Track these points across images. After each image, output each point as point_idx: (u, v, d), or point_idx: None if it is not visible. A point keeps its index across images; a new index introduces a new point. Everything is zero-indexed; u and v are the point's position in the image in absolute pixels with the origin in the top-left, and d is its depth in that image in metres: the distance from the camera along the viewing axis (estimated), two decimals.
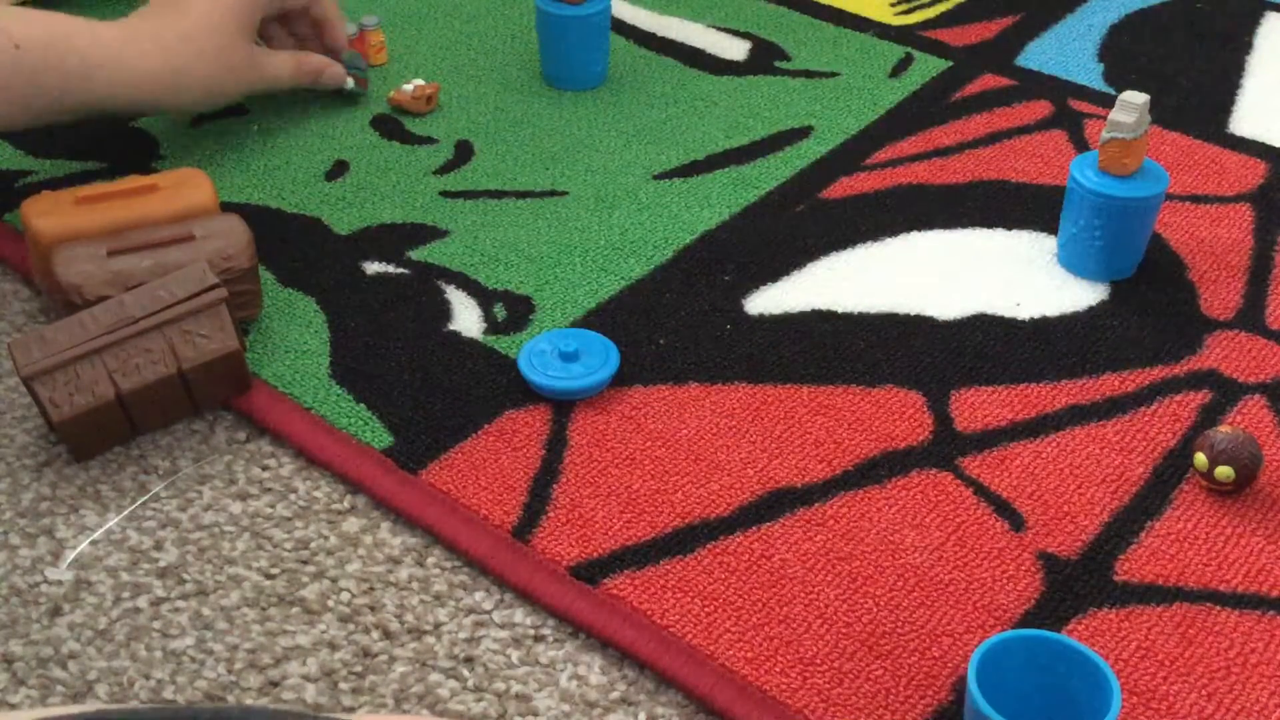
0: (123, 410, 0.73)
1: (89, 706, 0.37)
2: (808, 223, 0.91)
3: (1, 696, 0.62)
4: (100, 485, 0.72)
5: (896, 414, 0.75)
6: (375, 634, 0.64)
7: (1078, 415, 0.75)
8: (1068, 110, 1.02)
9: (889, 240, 0.89)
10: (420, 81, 1.03)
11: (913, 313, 0.83)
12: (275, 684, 0.62)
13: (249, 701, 0.61)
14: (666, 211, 0.92)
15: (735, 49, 1.11)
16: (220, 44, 0.90)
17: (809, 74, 1.07)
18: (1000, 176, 0.95)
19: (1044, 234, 0.89)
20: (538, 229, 0.90)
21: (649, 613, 0.64)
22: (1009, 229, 0.90)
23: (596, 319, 0.82)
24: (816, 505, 0.70)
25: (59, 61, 0.82)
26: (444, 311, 0.83)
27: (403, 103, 1.01)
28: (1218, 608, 0.64)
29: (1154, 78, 1.06)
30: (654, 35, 1.13)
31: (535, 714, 0.61)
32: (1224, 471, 0.68)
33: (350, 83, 1.01)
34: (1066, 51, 1.10)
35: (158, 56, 0.87)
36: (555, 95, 1.05)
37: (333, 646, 0.64)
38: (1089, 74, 1.07)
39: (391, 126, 1.01)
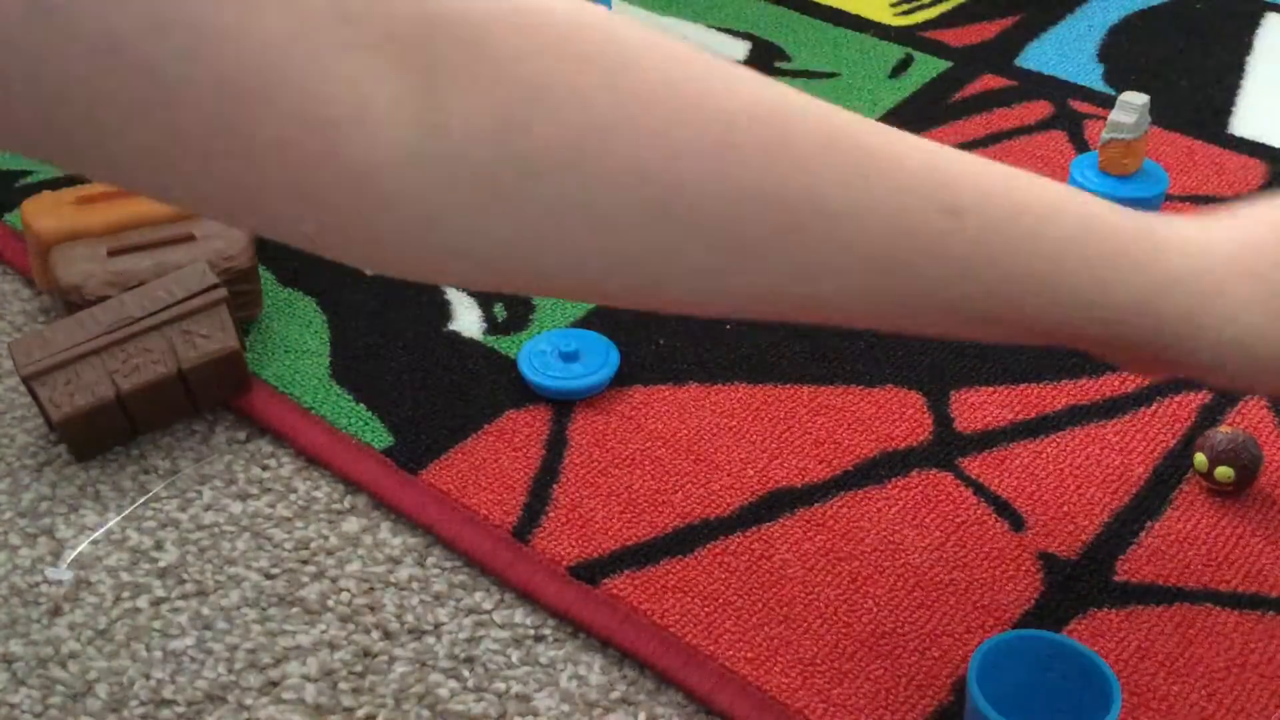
0: (123, 410, 0.73)
1: None
2: None
3: (1, 696, 0.62)
4: (100, 485, 0.72)
5: (896, 414, 0.75)
6: (375, 634, 0.64)
7: (1078, 415, 0.75)
8: (1068, 111, 1.02)
9: None
10: None
11: None
12: (275, 684, 0.62)
13: (249, 701, 0.61)
14: None
15: (735, 49, 1.11)
16: None
17: (809, 74, 1.07)
18: None
19: None
20: None
21: (649, 613, 0.64)
22: None
23: (596, 319, 0.82)
24: (816, 505, 0.70)
25: (1020, 244, 0.46)
26: (444, 311, 0.83)
27: None
28: (1218, 608, 0.64)
29: (1154, 78, 1.06)
30: None
31: (535, 714, 0.61)
32: (1224, 472, 0.68)
33: None
34: (1066, 52, 1.10)
35: (1193, 262, 0.49)
36: None
37: (333, 646, 0.64)
38: (1089, 74, 1.07)
39: None
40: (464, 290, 0.84)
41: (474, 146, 0.39)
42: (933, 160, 0.45)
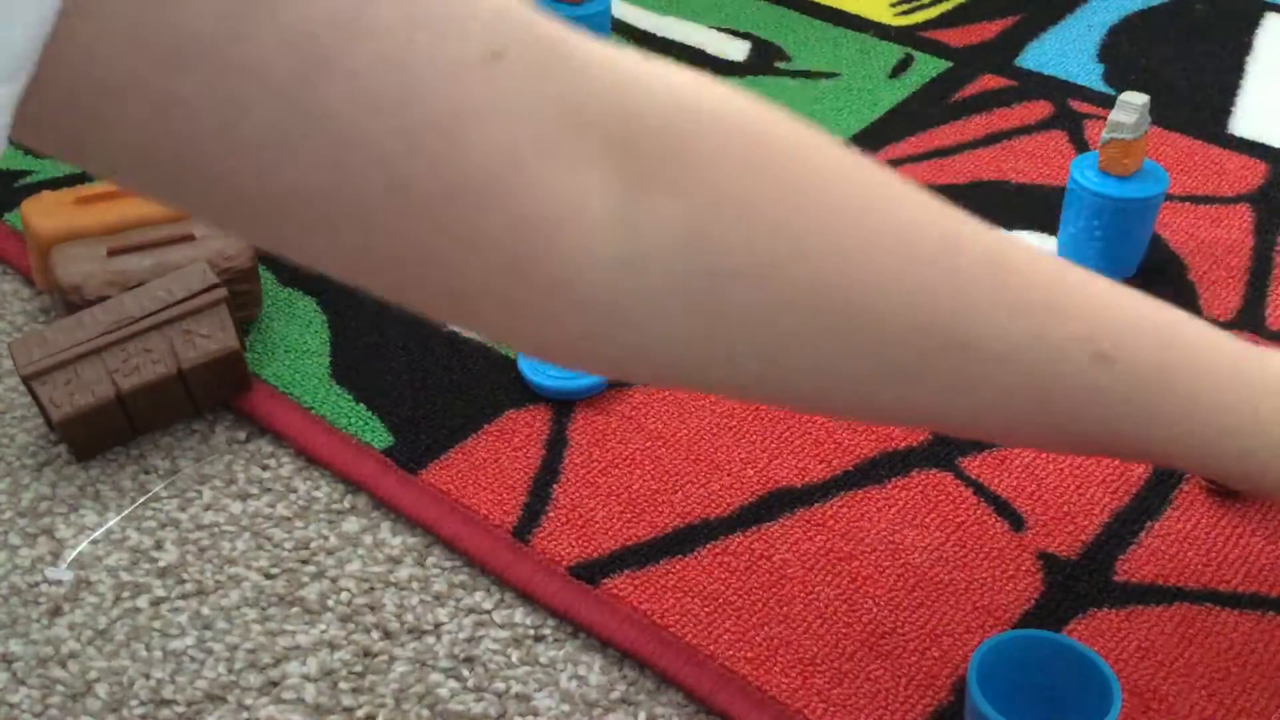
0: (123, 410, 0.73)
1: None
2: None
3: (1, 696, 0.62)
4: (100, 485, 0.72)
5: None
6: (375, 634, 0.64)
7: None
8: (1068, 111, 1.02)
9: None
10: None
11: None
12: (275, 684, 0.62)
13: (249, 701, 0.61)
14: None
15: (735, 49, 1.11)
16: None
17: (809, 74, 1.07)
18: (1000, 177, 0.95)
19: (1044, 234, 0.89)
20: None
21: (649, 613, 0.64)
22: (1009, 229, 0.90)
23: None
24: (816, 505, 0.70)
25: (1160, 391, 0.49)
26: None
27: None
28: (1218, 608, 0.64)
29: (1154, 78, 1.06)
30: (654, 35, 1.13)
31: (535, 714, 0.61)
32: None
33: None
34: (1066, 52, 1.10)
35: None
36: None
37: (333, 646, 0.64)
38: (1089, 74, 1.07)
39: None
40: None
41: (668, 254, 0.40)
42: (1091, 302, 0.48)
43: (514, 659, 0.63)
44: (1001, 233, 0.47)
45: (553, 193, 0.37)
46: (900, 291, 0.43)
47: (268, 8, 0.32)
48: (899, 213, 0.44)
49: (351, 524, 0.70)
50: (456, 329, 0.81)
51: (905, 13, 1.16)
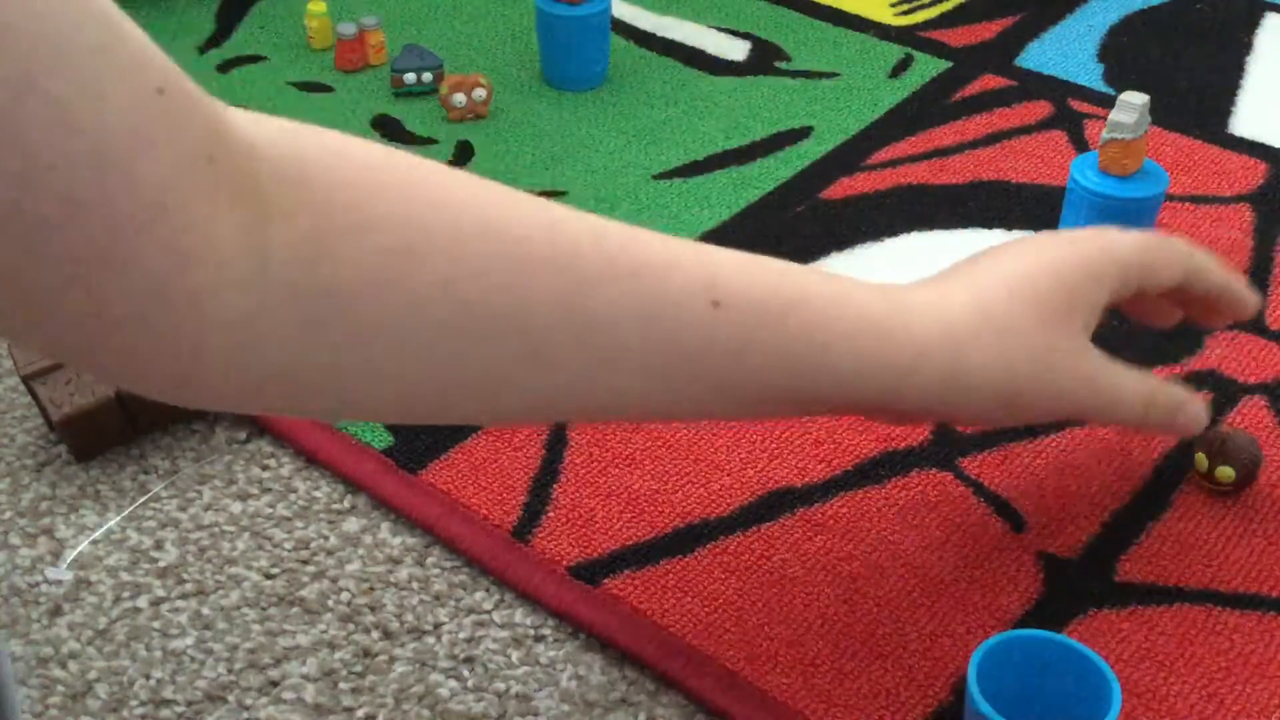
0: (123, 410, 0.73)
1: None
2: (808, 223, 0.91)
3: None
4: (100, 485, 0.72)
5: None
6: (375, 634, 0.64)
7: None
8: (1068, 110, 1.02)
9: (889, 240, 0.89)
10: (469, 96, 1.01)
11: None
12: (275, 684, 0.62)
13: (249, 701, 0.61)
14: (666, 212, 0.92)
15: (735, 49, 1.11)
16: (1034, 319, 0.57)
17: (809, 74, 1.07)
18: (1000, 177, 0.95)
19: None
20: None
21: (649, 613, 0.64)
22: (1009, 229, 0.90)
23: None
24: (816, 505, 0.70)
25: (777, 326, 0.52)
26: None
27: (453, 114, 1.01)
28: (1218, 608, 0.64)
29: (1154, 78, 1.06)
30: (654, 35, 1.13)
31: (535, 714, 0.61)
32: (1224, 472, 0.69)
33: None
34: (1066, 52, 1.10)
35: (937, 332, 0.55)
36: (555, 95, 1.05)
37: (333, 646, 0.64)
38: (1089, 74, 1.07)
39: (392, 127, 1.01)
40: None
41: (290, 273, 0.42)
42: (700, 254, 0.51)
43: (514, 659, 0.63)
44: (600, 217, 0.50)
45: (193, 221, 0.39)
46: (508, 278, 0.46)
47: None
48: (500, 208, 0.47)
49: (351, 524, 0.70)
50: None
51: (905, 13, 1.16)
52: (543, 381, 0.48)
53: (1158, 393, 0.62)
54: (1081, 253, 0.59)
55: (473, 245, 0.45)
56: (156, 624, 0.65)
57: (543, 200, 0.49)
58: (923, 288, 0.57)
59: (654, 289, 0.49)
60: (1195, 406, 0.64)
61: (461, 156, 0.97)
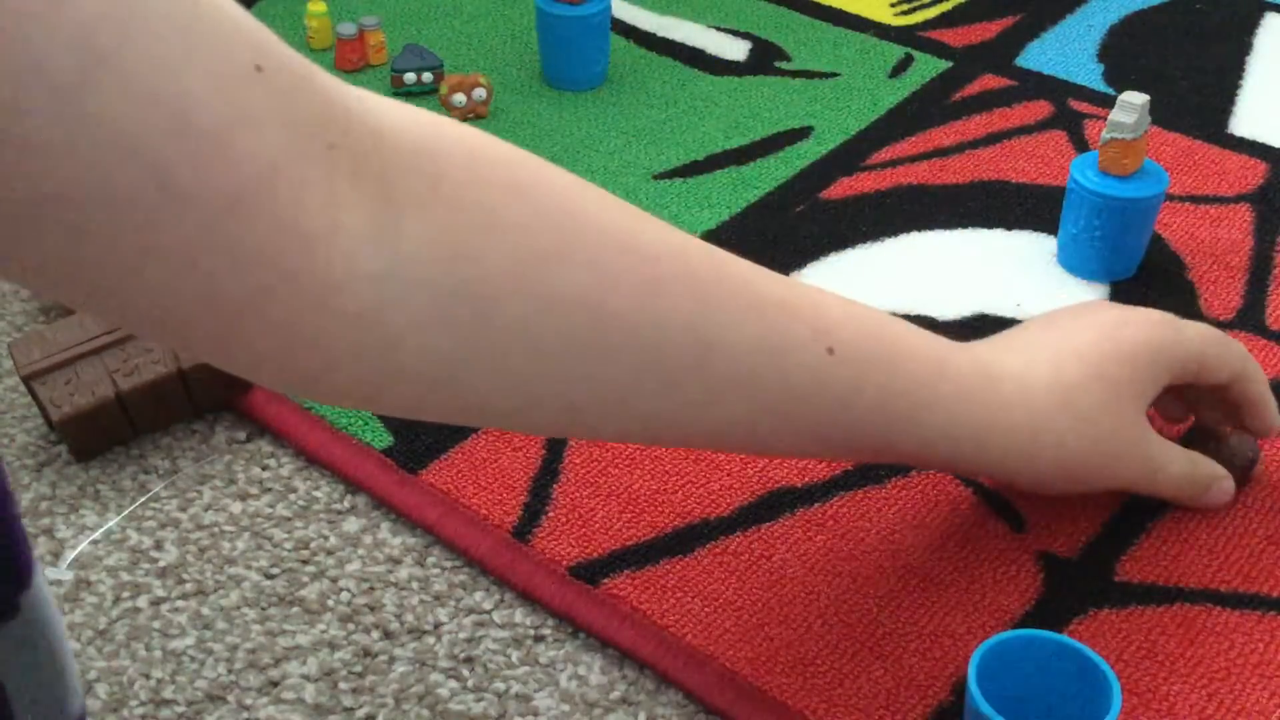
0: (123, 410, 0.73)
1: None
2: (807, 223, 0.91)
3: None
4: (100, 485, 0.72)
5: None
6: (375, 634, 0.64)
7: None
8: (1068, 110, 1.02)
9: (889, 240, 0.89)
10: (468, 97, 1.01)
11: (913, 313, 0.83)
12: (275, 684, 0.62)
13: (249, 701, 0.61)
14: (666, 212, 0.92)
15: (735, 49, 1.11)
16: (1105, 402, 0.61)
17: (809, 74, 1.07)
18: (1000, 177, 0.95)
19: (1044, 234, 0.89)
20: None
21: (649, 613, 0.64)
22: (1009, 229, 0.90)
23: None
24: (816, 505, 0.70)
25: (883, 383, 0.54)
26: None
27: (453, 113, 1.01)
28: (1218, 608, 0.64)
29: (1154, 78, 1.06)
30: (654, 35, 1.13)
31: (535, 714, 0.61)
32: None
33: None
34: (1066, 52, 1.10)
35: (1022, 413, 0.58)
36: (555, 95, 1.05)
37: (333, 646, 0.64)
38: (1089, 74, 1.07)
39: None
40: None
41: (425, 269, 0.41)
42: (816, 299, 0.53)
43: (514, 659, 0.63)
44: (715, 247, 0.50)
45: (312, 205, 0.37)
46: (645, 295, 0.46)
47: (52, 3, 0.32)
48: (632, 222, 0.47)
49: (351, 524, 0.70)
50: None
51: (905, 13, 1.16)
52: (660, 403, 0.48)
53: (1197, 472, 0.67)
54: (1156, 338, 0.62)
55: (609, 256, 0.45)
56: (156, 624, 0.65)
57: (665, 222, 0.49)
58: (1009, 353, 0.61)
59: (775, 327, 0.50)
60: (1227, 484, 0.68)
61: None
